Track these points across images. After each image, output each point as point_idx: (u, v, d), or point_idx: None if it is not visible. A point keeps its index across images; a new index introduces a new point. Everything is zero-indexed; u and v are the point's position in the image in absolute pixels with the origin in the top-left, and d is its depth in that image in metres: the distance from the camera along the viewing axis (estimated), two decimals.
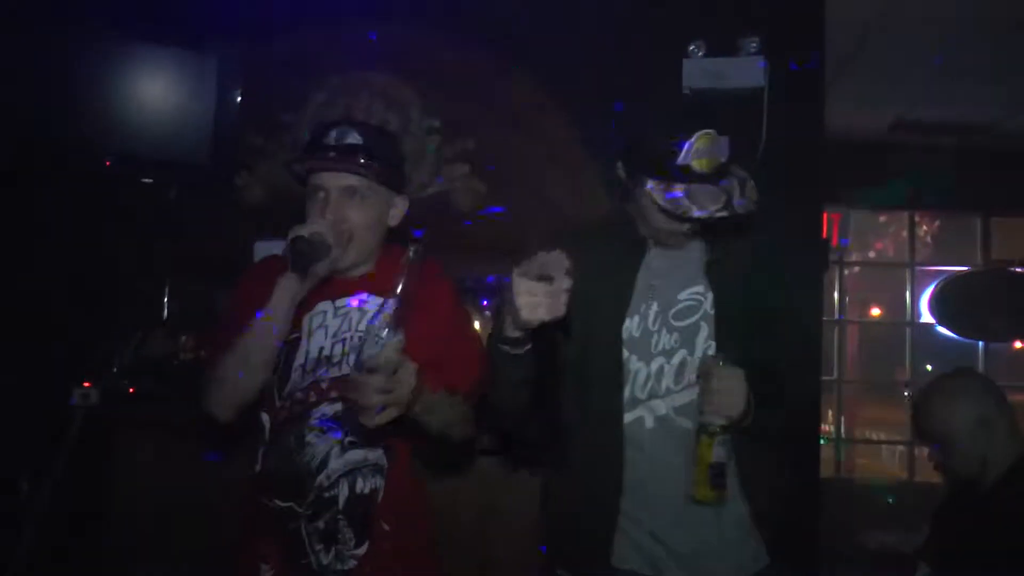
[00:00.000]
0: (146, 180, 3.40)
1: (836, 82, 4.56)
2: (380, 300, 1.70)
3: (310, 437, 1.78)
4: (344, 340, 1.79)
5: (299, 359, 1.79)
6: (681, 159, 1.72)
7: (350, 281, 1.86)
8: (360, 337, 1.71)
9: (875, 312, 7.72)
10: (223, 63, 3.32)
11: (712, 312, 1.85)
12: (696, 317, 1.85)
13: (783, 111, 3.29)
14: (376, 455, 1.81)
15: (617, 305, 1.85)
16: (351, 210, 1.79)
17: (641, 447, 1.84)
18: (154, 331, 3.10)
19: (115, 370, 2.83)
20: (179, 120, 3.25)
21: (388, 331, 1.49)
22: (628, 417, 1.84)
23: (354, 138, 1.80)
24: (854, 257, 7.28)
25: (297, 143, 3.72)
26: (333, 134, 1.82)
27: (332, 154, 1.79)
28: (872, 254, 7.75)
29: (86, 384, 2.66)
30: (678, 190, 1.72)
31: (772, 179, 2.17)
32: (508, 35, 3.61)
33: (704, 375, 1.77)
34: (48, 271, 3.27)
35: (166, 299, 3.31)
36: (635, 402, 1.84)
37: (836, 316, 6.80)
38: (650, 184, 1.76)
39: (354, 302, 1.81)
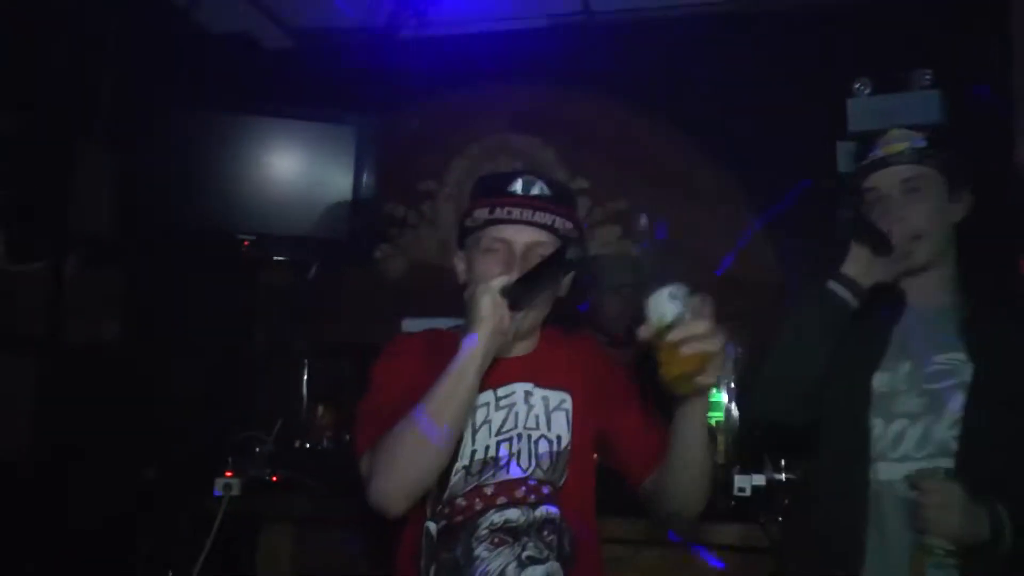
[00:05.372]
0: (280, 258, 3.26)
1: None
2: (547, 391, 1.59)
3: (479, 551, 1.52)
4: (511, 439, 1.56)
5: (462, 460, 1.54)
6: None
7: (511, 364, 1.59)
8: (520, 436, 1.57)
9: None
10: (360, 135, 3.18)
11: (970, 381, 1.62)
12: (951, 382, 1.64)
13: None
14: (554, 568, 1.54)
15: (870, 358, 1.68)
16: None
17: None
18: (294, 417, 2.91)
19: (256, 459, 2.64)
20: (317, 196, 3.12)
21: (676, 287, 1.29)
22: None
23: (541, 189, 1.60)
24: None
25: (436, 212, 3.57)
26: (519, 184, 1.60)
27: (527, 204, 1.58)
28: None
29: (228, 474, 2.49)
30: None
31: None
32: (650, 89, 3.40)
33: (916, 486, 1.54)
34: (188, 357, 3.16)
35: (305, 382, 3.10)
36: None
37: None
38: None
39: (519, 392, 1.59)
